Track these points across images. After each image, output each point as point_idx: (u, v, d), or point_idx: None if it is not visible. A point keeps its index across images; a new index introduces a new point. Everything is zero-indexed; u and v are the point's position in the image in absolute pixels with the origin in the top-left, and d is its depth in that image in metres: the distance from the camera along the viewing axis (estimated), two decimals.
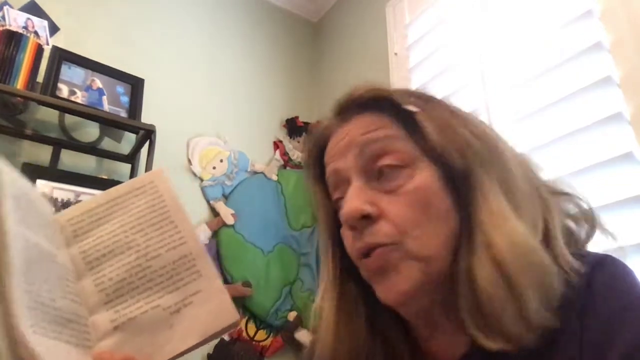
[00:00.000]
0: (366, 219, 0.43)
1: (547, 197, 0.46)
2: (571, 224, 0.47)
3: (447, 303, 0.43)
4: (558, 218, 0.44)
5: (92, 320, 0.38)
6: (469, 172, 0.43)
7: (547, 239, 0.42)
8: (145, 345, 0.38)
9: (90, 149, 1.47)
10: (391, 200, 0.43)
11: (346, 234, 0.47)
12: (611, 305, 0.37)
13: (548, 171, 0.50)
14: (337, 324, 0.48)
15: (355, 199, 0.44)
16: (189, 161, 1.68)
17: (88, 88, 1.40)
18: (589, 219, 0.47)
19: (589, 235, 0.47)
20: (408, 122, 0.46)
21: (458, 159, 0.43)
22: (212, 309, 0.40)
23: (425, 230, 0.42)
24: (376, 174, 0.45)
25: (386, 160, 0.44)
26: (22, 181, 0.39)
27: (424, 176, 0.44)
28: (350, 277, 0.49)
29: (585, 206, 0.48)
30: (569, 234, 0.46)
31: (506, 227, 0.40)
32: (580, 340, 0.37)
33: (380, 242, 0.43)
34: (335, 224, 0.50)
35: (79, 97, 1.37)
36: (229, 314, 0.40)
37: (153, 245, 0.42)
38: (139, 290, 0.40)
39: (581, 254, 0.43)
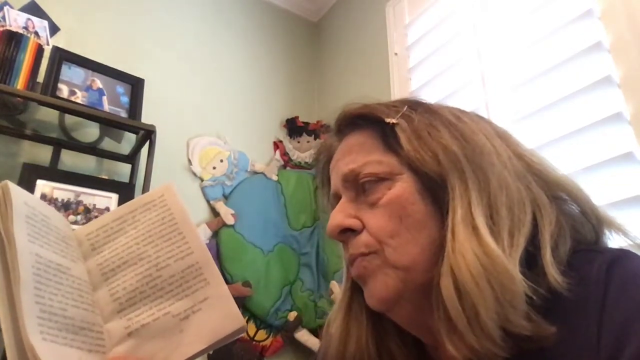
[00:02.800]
0: (351, 232, 0.46)
1: (543, 199, 0.45)
2: (576, 224, 0.46)
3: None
4: (553, 223, 0.43)
5: (106, 328, 0.41)
6: (444, 180, 0.44)
7: (535, 245, 0.42)
8: (157, 350, 0.41)
9: (91, 149, 1.47)
10: (371, 212, 0.46)
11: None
12: (628, 302, 0.37)
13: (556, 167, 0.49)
14: (344, 332, 0.50)
15: (336, 215, 0.47)
16: (189, 161, 1.68)
17: (88, 88, 1.40)
18: (594, 218, 0.46)
19: (598, 234, 0.46)
20: (390, 135, 0.47)
21: (433, 167, 0.44)
22: (219, 315, 0.43)
23: (402, 240, 0.43)
24: (361, 189, 0.47)
25: (367, 176, 0.47)
26: (36, 201, 0.43)
27: (401, 187, 0.45)
28: (359, 289, 0.50)
29: (589, 205, 0.47)
30: (575, 235, 0.45)
31: (468, 241, 0.40)
32: (598, 337, 0.36)
33: (360, 252, 0.45)
34: None
35: (79, 97, 1.36)
36: (235, 319, 0.43)
37: (163, 256, 0.45)
38: (150, 298, 0.43)
39: (596, 251, 0.42)
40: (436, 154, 0.45)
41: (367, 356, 0.48)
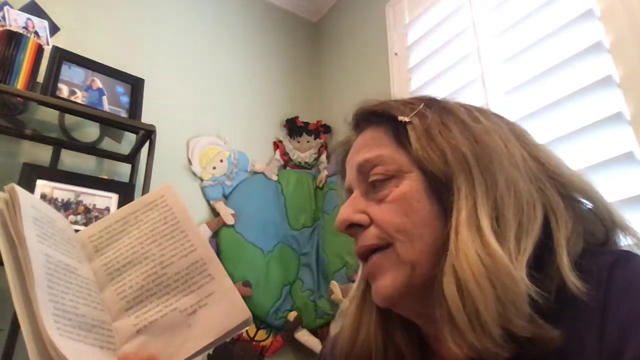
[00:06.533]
0: (359, 227, 0.47)
1: (557, 202, 0.45)
2: (589, 226, 0.46)
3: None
4: (569, 227, 0.43)
5: (115, 326, 0.42)
6: (450, 180, 0.44)
7: (547, 248, 0.42)
8: (167, 345, 0.42)
9: (90, 149, 1.47)
10: (379, 208, 0.47)
11: None
12: (629, 304, 0.37)
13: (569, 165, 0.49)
14: (357, 320, 0.52)
15: (344, 209, 0.48)
16: (189, 161, 1.68)
17: (88, 88, 1.40)
18: (609, 220, 0.46)
19: (609, 235, 0.46)
20: (402, 132, 0.48)
21: (440, 166, 0.45)
22: (225, 308, 0.44)
23: (409, 235, 0.44)
24: (371, 185, 0.48)
25: (376, 174, 0.48)
26: (42, 204, 0.44)
27: (408, 184, 0.46)
28: None
29: (604, 207, 0.47)
30: (587, 237, 0.45)
31: (472, 241, 0.40)
32: (600, 339, 0.36)
33: (370, 244, 0.46)
34: None
35: (79, 97, 1.37)
36: (242, 311, 0.44)
37: (167, 254, 0.46)
38: (157, 295, 0.44)
39: (600, 252, 0.42)
40: (444, 154, 0.45)
41: (375, 345, 0.49)
